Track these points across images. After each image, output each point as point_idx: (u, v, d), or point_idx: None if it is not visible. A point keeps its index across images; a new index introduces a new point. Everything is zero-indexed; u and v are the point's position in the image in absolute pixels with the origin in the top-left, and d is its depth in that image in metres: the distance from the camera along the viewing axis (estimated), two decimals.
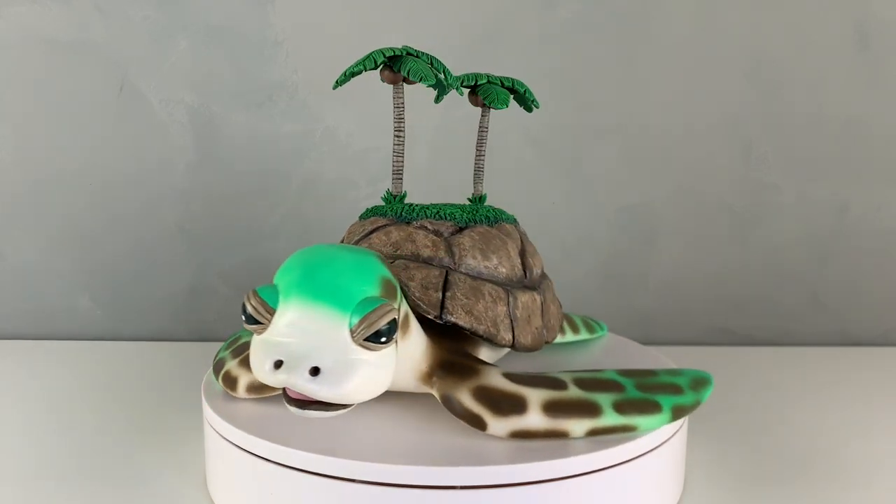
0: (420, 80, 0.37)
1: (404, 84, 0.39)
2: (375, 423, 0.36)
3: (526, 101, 0.43)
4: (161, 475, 0.41)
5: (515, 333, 0.36)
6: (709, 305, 0.64)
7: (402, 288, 0.31)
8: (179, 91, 0.60)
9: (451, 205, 0.40)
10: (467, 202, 0.43)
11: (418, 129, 0.61)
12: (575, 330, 0.46)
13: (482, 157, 0.43)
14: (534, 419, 0.32)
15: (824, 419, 0.49)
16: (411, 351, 0.32)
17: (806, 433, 0.47)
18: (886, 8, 0.60)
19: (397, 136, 0.39)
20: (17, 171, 0.61)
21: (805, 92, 0.62)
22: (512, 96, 0.43)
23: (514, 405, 0.32)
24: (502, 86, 0.42)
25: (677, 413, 0.34)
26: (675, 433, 0.38)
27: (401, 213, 0.38)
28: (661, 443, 0.36)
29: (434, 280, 0.34)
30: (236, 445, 0.36)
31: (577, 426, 0.32)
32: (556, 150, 0.62)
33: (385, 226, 0.38)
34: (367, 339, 0.26)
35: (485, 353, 0.38)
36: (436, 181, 0.61)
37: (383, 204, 0.40)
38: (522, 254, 0.39)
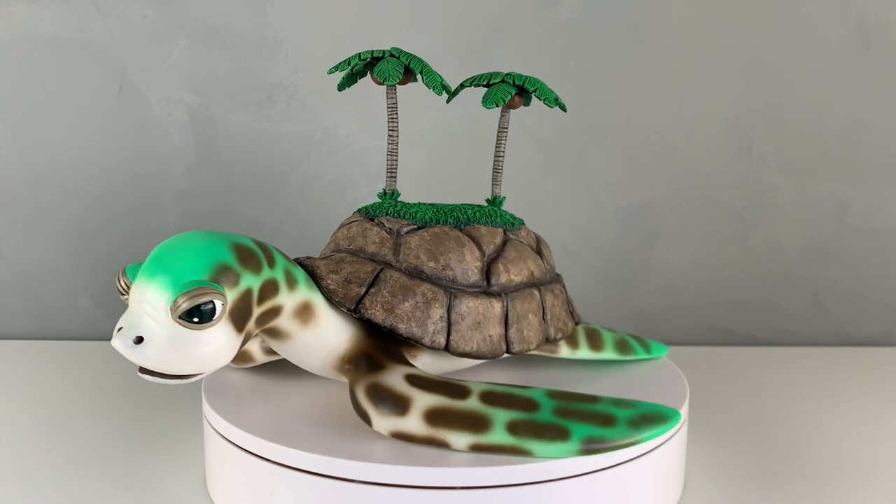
0: (384, 80, 0.39)
1: (397, 85, 0.40)
2: None
3: (543, 99, 0.41)
4: (161, 475, 0.41)
5: (452, 338, 0.35)
6: (709, 305, 0.64)
7: (317, 279, 0.34)
8: (179, 91, 0.60)
9: (442, 205, 0.40)
10: (485, 204, 0.43)
11: (418, 130, 0.61)
12: (596, 347, 0.42)
13: (500, 159, 0.41)
14: (412, 423, 0.32)
15: (824, 419, 0.49)
16: (323, 339, 0.34)
17: (806, 433, 0.47)
18: (886, 8, 0.60)
19: (391, 135, 0.40)
20: (17, 171, 0.61)
21: (805, 92, 0.62)
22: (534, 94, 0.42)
23: (396, 406, 0.32)
24: (513, 84, 0.40)
25: (590, 446, 0.32)
26: (675, 433, 0.38)
27: (369, 210, 0.39)
28: (661, 443, 0.36)
29: (363, 275, 0.35)
30: (236, 445, 0.36)
31: (459, 439, 0.32)
32: (557, 150, 0.62)
33: (353, 221, 0.39)
34: (182, 318, 0.28)
35: (427, 356, 0.37)
36: (435, 181, 0.61)
37: (378, 202, 0.40)
38: (492, 259, 0.38)
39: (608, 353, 0.43)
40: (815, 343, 0.64)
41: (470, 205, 0.41)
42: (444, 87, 0.40)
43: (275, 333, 0.33)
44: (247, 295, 0.30)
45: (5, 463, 0.43)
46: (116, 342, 0.28)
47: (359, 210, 0.40)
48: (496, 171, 0.42)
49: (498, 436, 0.32)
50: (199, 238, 0.30)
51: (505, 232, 0.40)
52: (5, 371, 0.56)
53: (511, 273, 0.38)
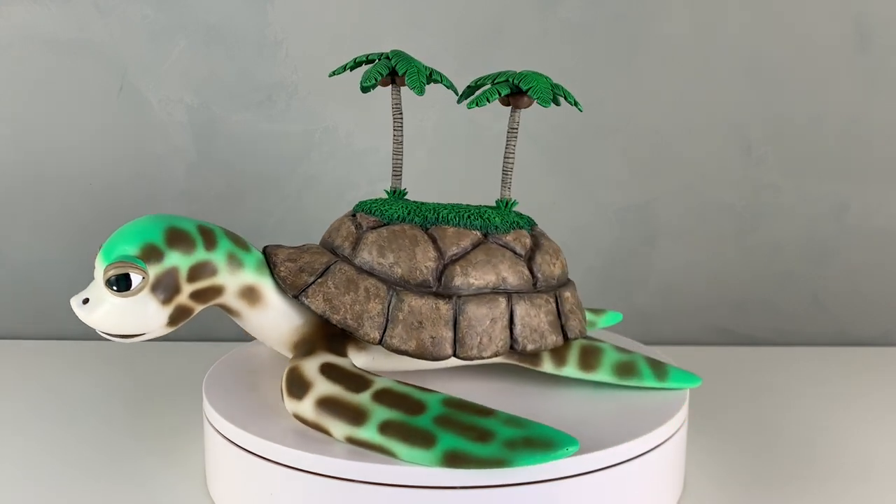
0: (363, 83, 0.40)
1: (392, 86, 0.41)
2: None
3: (537, 98, 0.40)
4: (161, 475, 0.41)
5: (387, 334, 0.36)
6: (709, 305, 0.64)
7: (271, 266, 0.37)
8: (179, 91, 0.60)
9: (424, 204, 0.40)
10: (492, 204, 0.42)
11: (419, 130, 0.61)
12: (587, 367, 0.40)
13: (509, 161, 0.41)
14: (306, 407, 0.34)
15: (824, 419, 0.49)
16: (274, 321, 0.37)
17: (806, 433, 0.47)
18: (886, 8, 0.60)
19: (395, 135, 0.41)
20: (17, 171, 0.61)
21: (805, 92, 0.62)
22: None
23: (299, 390, 0.34)
24: (510, 83, 0.40)
25: (452, 458, 0.31)
26: (675, 433, 0.38)
27: (358, 206, 0.40)
28: (661, 443, 0.36)
29: (316, 266, 0.37)
30: (237, 445, 0.36)
31: (338, 429, 0.33)
32: (557, 150, 0.62)
33: (343, 216, 0.41)
34: (107, 285, 0.33)
35: (377, 353, 0.38)
36: (435, 181, 0.61)
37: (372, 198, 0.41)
38: (452, 261, 0.37)
39: (602, 375, 0.40)
40: (815, 343, 0.64)
41: (452, 205, 0.40)
42: (451, 89, 0.40)
43: (227, 310, 0.37)
44: (172, 272, 0.34)
45: (5, 463, 0.43)
46: (72, 301, 0.34)
47: (356, 204, 0.41)
48: (505, 172, 0.41)
49: (369, 432, 0.32)
50: (141, 221, 0.35)
51: (485, 235, 0.39)
52: (5, 371, 0.56)
53: (470, 276, 0.37)
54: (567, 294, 0.40)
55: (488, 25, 0.60)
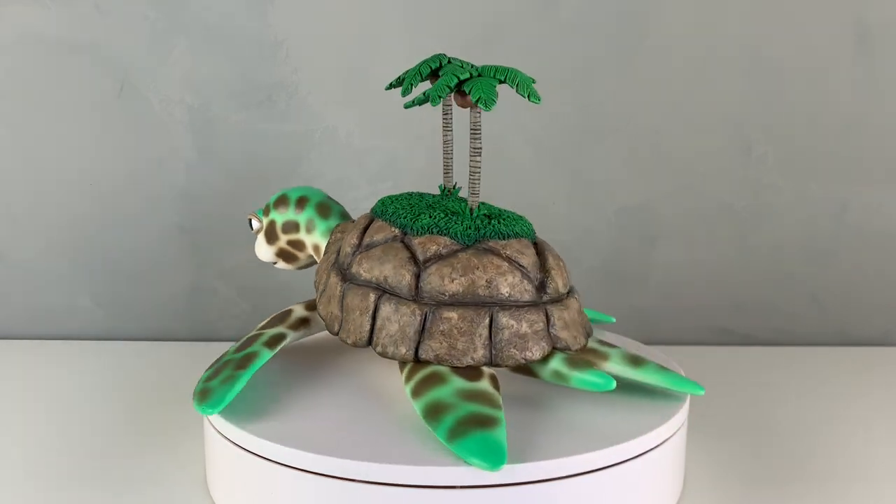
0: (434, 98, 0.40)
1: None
2: (376, 423, 0.36)
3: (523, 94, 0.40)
4: (161, 475, 0.41)
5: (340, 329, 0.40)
6: (709, 305, 0.64)
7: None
8: (179, 91, 0.60)
9: (431, 211, 0.40)
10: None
11: (419, 130, 0.61)
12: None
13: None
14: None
15: (824, 419, 0.49)
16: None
17: (806, 433, 0.47)
18: (886, 8, 0.60)
19: (445, 134, 0.43)
20: (17, 171, 0.61)
21: (805, 92, 0.62)
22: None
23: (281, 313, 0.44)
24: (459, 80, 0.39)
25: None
26: (675, 433, 0.38)
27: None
28: (661, 442, 0.36)
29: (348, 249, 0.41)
30: (237, 445, 0.36)
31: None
32: (556, 150, 0.62)
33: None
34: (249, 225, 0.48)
35: None
36: (436, 181, 0.61)
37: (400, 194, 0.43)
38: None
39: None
40: (814, 343, 0.64)
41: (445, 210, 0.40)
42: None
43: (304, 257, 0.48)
44: (272, 223, 0.46)
45: (5, 463, 0.43)
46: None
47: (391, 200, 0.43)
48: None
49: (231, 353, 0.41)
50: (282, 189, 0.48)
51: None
52: (5, 371, 0.56)
53: (362, 269, 0.39)
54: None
55: (488, 25, 0.60)
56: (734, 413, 0.50)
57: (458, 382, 0.36)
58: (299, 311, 0.43)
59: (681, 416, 0.38)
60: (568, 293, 0.40)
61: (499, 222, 0.39)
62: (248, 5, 0.59)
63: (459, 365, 0.37)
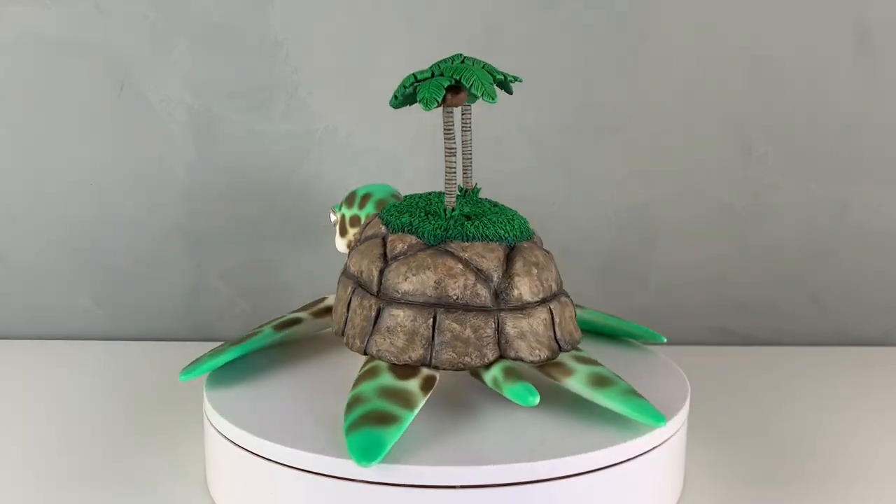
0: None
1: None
2: None
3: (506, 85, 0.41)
4: (161, 475, 0.41)
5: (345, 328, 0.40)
6: (709, 305, 0.64)
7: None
8: (179, 91, 0.60)
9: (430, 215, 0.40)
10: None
11: (418, 130, 0.61)
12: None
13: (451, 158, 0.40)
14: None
15: (824, 419, 0.49)
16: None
17: (805, 433, 0.47)
18: (886, 8, 0.60)
19: (464, 135, 0.42)
20: (17, 172, 0.61)
21: (805, 92, 0.62)
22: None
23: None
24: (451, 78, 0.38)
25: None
26: (675, 433, 0.38)
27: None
28: (661, 442, 0.36)
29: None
30: (237, 445, 0.36)
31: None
32: (556, 150, 0.62)
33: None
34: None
35: None
36: (435, 181, 0.61)
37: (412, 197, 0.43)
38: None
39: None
40: (814, 343, 0.64)
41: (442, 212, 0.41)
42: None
43: None
44: (342, 218, 0.48)
45: (5, 463, 0.43)
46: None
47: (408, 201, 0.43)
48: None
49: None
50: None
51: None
52: (5, 371, 0.56)
53: (351, 263, 0.41)
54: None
55: (488, 25, 0.60)
56: (734, 413, 0.50)
57: (386, 379, 0.36)
58: (329, 300, 0.46)
59: (681, 416, 0.38)
60: (543, 301, 0.38)
61: (472, 223, 0.39)
62: (248, 5, 0.59)
63: (397, 362, 0.37)
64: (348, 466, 0.33)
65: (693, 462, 0.43)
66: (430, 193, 0.44)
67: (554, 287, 0.39)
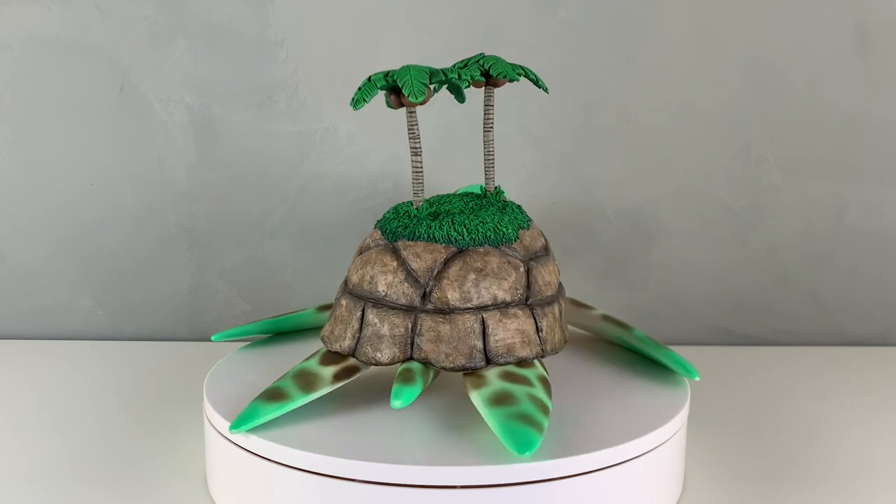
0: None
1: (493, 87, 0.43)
2: (376, 424, 0.36)
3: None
4: (161, 475, 0.42)
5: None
6: (709, 305, 0.64)
7: None
8: (179, 91, 0.60)
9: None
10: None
11: (419, 130, 0.61)
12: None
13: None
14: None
15: (823, 419, 0.49)
16: None
17: (805, 433, 0.47)
18: (886, 8, 0.60)
19: (486, 134, 0.43)
20: (17, 171, 0.61)
21: (804, 92, 0.62)
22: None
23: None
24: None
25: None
26: (675, 433, 0.38)
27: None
28: (661, 443, 0.36)
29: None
30: (237, 445, 0.36)
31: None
32: (556, 150, 0.62)
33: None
34: None
35: None
36: (436, 181, 0.61)
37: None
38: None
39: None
40: (814, 343, 0.64)
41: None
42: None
43: None
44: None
45: (5, 463, 0.43)
46: None
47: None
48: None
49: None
50: None
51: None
52: (5, 371, 0.56)
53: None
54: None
55: (488, 25, 0.60)
56: (734, 413, 0.50)
57: (310, 363, 0.39)
58: None
59: (681, 416, 0.38)
60: (478, 309, 0.37)
61: (427, 224, 0.39)
62: (248, 5, 0.59)
63: (331, 349, 0.39)
64: (348, 466, 0.33)
65: (693, 462, 0.43)
66: (452, 195, 0.44)
67: (504, 297, 0.38)
